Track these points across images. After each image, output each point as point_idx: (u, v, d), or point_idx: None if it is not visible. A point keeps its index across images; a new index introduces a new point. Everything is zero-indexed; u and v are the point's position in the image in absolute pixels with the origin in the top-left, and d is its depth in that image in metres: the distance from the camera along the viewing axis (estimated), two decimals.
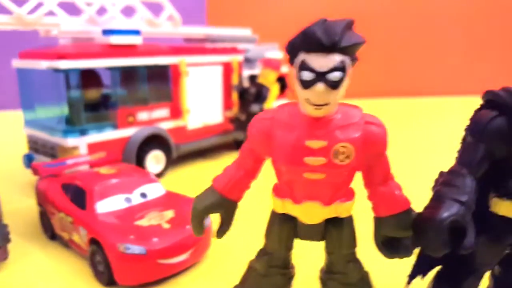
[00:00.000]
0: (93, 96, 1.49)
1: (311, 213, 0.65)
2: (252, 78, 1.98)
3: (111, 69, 1.45)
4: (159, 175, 1.57)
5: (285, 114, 0.64)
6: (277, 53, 2.23)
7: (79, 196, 1.00)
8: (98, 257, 0.89)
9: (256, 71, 2.01)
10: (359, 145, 0.61)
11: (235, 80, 1.90)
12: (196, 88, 1.72)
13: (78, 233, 0.95)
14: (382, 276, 0.77)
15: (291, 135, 0.61)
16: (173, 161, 1.67)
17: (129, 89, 1.51)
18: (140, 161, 1.50)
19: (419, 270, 0.74)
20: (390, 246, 0.67)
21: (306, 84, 0.57)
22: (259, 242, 0.73)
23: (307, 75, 0.57)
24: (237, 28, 2.14)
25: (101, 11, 1.56)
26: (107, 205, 0.97)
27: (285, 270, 0.73)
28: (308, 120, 0.61)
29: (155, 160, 1.56)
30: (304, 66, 0.57)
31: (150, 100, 1.56)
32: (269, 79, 1.90)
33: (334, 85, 0.56)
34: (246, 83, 1.97)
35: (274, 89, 1.97)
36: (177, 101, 1.64)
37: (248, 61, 2.07)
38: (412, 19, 3.85)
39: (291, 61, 0.59)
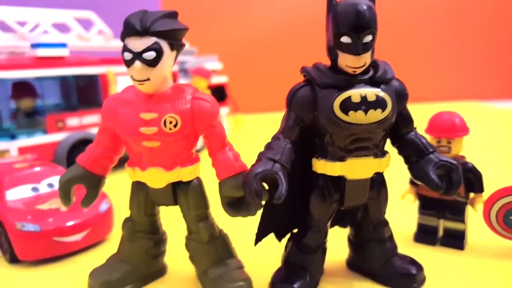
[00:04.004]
0: (27, 105, 1.62)
1: (155, 178, 0.77)
2: None
3: (40, 79, 1.58)
4: None
5: (127, 93, 0.76)
6: (216, 64, 2.37)
7: None
8: (3, 237, 1.00)
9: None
10: (186, 116, 0.73)
11: None
12: None
13: None
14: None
15: (129, 109, 0.74)
16: None
17: (58, 97, 1.64)
18: (71, 165, 1.59)
19: (264, 229, 0.84)
20: (234, 206, 0.76)
21: (128, 63, 0.70)
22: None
23: (127, 55, 0.69)
24: None
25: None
26: (16, 193, 1.09)
27: (151, 235, 0.84)
28: (144, 97, 0.74)
29: None
30: (124, 48, 0.69)
31: (80, 107, 1.69)
32: (199, 87, 2.03)
33: (150, 63, 0.68)
34: None
35: None
36: None
37: (186, 72, 2.21)
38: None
39: None
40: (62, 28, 1.79)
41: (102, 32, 1.87)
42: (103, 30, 1.86)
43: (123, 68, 1.77)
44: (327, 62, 0.75)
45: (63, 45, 1.63)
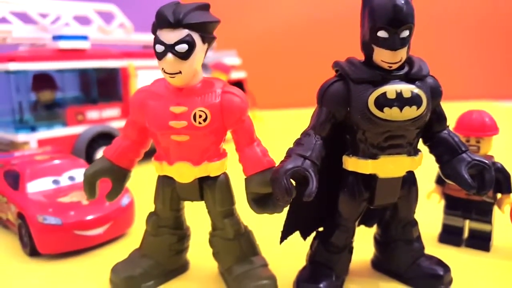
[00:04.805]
0: (47, 97, 1.62)
1: (182, 172, 0.75)
2: None
3: (61, 71, 1.58)
4: None
5: (157, 86, 0.75)
6: (234, 59, 2.36)
7: (14, 179, 1.11)
8: (23, 230, 1.00)
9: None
10: (216, 110, 0.71)
11: None
12: None
13: (10, 211, 1.06)
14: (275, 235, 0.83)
15: (159, 103, 0.72)
16: None
17: (78, 89, 1.64)
18: (90, 158, 1.61)
19: (290, 227, 0.82)
20: (261, 202, 0.74)
21: (159, 56, 0.68)
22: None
23: (159, 48, 0.68)
24: None
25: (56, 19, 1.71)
26: (37, 186, 1.08)
27: (176, 231, 0.83)
28: (173, 90, 0.72)
29: None
30: (156, 40, 0.68)
31: (100, 100, 1.68)
32: None
33: (182, 56, 0.67)
34: None
35: None
36: (128, 101, 1.76)
37: (205, 67, 2.20)
38: None
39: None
40: (83, 20, 1.78)
41: (123, 26, 1.86)
42: (124, 23, 1.85)
43: (143, 62, 1.80)
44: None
45: (84, 38, 1.62)
